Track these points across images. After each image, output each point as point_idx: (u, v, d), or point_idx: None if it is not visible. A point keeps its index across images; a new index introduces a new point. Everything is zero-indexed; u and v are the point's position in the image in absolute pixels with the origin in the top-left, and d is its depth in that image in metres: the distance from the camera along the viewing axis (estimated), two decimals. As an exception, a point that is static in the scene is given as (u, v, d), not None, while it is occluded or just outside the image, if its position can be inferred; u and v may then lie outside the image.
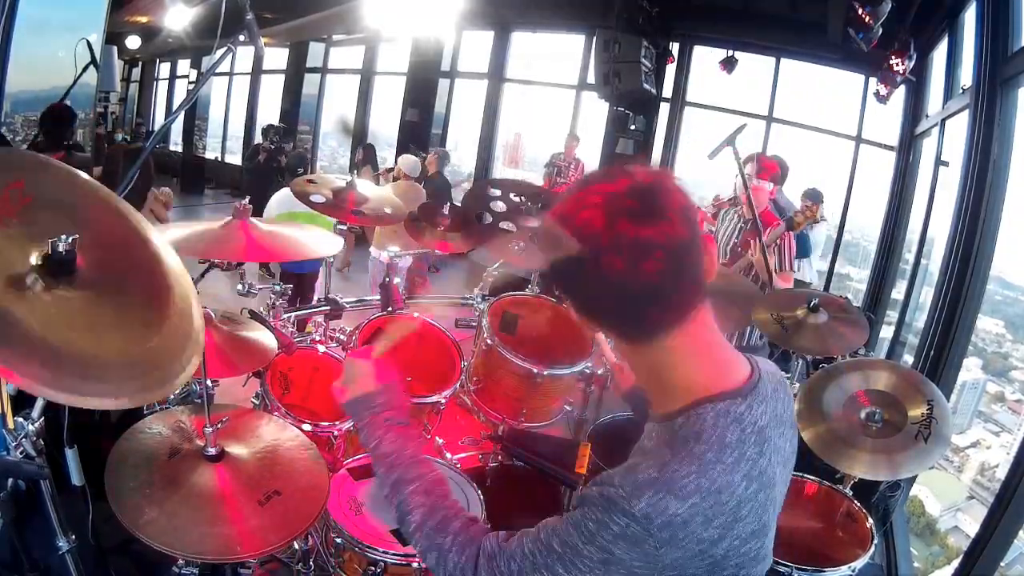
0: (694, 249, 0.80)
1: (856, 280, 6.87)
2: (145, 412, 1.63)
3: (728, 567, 0.81)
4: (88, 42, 4.08)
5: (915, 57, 4.60)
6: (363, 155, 7.69)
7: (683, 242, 0.79)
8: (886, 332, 4.85)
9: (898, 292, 5.08)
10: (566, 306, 1.00)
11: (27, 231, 0.92)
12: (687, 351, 0.86)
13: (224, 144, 11.44)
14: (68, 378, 0.85)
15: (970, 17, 3.70)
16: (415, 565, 1.50)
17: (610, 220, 0.78)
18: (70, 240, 0.91)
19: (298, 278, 3.73)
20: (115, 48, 9.03)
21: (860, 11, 3.85)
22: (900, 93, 5.34)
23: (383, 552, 1.49)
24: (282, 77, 10.42)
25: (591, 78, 6.90)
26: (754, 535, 0.83)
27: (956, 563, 2.55)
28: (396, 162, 6.02)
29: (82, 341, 0.89)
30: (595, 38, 6.56)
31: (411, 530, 0.94)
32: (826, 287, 6.20)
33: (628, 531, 0.77)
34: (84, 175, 1.05)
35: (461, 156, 9.25)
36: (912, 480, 3.03)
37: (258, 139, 8.81)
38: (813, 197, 5.13)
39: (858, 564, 1.72)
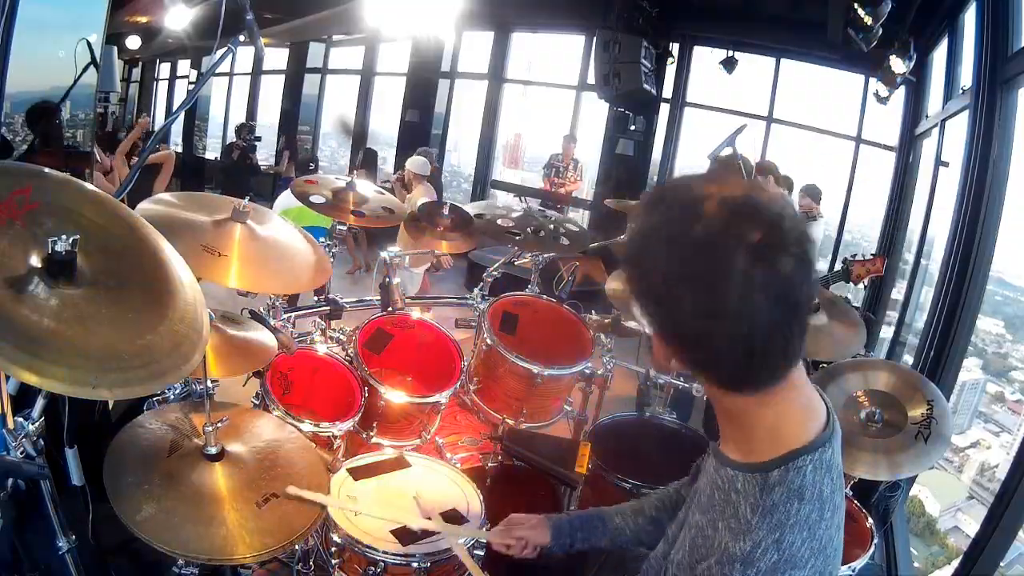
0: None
1: (856, 280, 6.87)
2: (146, 410, 1.63)
3: None
4: (88, 42, 4.08)
5: (915, 57, 4.60)
6: (362, 160, 7.46)
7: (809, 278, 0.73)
8: (886, 332, 4.85)
9: (898, 292, 5.08)
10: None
11: (31, 233, 0.94)
12: (786, 398, 0.81)
13: (224, 144, 11.44)
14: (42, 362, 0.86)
15: (970, 17, 3.70)
16: (415, 565, 1.50)
17: (747, 253, 0.69)
18: (70, 241, 0.91)
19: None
20: (115, 48, 9.03)
21: (860, 11, 3.85)
22: (900, 93, 5.34)
23: (383, 552, 1.49)
24: (282, 77, 10.41)
25: (591, 78, 6.88)
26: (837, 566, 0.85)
27: (956, 563, 2.54)
28: (395, 165, 5.89)
29: (70, 331, 0.91)
30: (595, 38, 6.55)
31: None
32: (826, 287, 6.19)
33: None
34: (89, 186, 1.08)
35: (461, 157, 9.24)
36: (912, 480, 3.02)
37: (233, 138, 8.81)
38: (811, 193, 5.12)
39: (858, 564, 1.72)
